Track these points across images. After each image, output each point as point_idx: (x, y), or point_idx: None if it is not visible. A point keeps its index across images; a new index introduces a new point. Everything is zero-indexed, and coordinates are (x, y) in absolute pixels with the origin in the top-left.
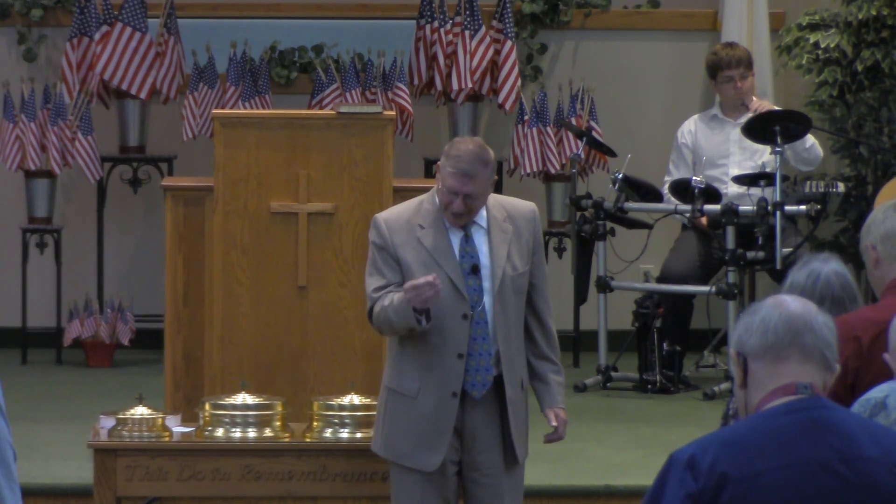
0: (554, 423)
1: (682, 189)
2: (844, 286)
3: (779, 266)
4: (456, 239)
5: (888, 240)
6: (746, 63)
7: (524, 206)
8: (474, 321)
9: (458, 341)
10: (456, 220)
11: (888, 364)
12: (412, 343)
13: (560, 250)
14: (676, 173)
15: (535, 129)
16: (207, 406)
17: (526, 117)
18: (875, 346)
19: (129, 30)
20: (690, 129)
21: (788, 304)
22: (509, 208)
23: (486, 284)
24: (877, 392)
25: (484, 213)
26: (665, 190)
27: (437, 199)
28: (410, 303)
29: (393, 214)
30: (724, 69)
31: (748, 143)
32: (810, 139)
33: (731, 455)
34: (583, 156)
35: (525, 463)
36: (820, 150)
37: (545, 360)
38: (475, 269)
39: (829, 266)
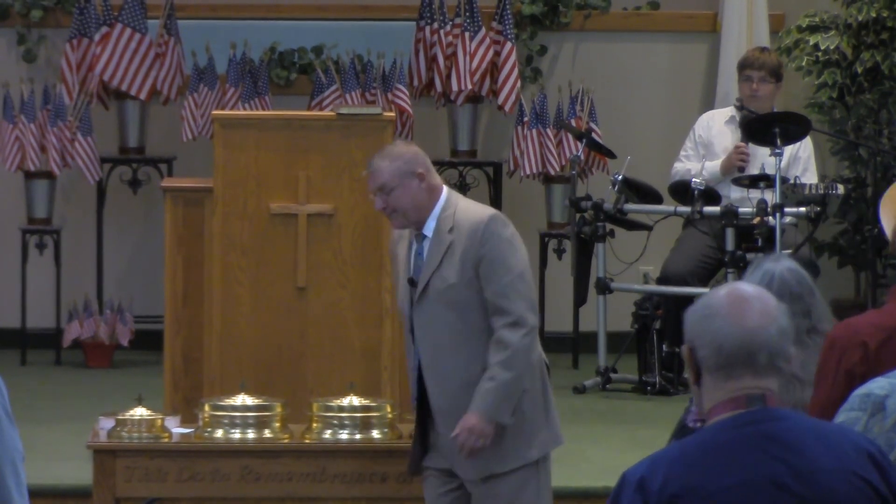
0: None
1: (682, 191)
2: (800, 281)
3: None
4: (412, 251)
5: None
6: (769, 69)
7: (474, 215)
8: (416, 331)
9: (411, 355)
10: (394, 224)
11: None
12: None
13: (559, 252)
14: (687, 161)
15: (534, 131)
16: (207, 407)
17: (525, 119)
18: (882, 351)
19: (128, 31)
20: (707, 122)
21: (745, 313)
22: (459, 218)
23: (419, 295)
24: (877, 388)
25: (433, 224)
26: (674, 175)
27: None
28: None
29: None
30: (746, 68)
31: (756, 149)
32: None
33: (681, 475)
34: (582, 157)
35: (518, 472)
36: None
37: (485, 368)
38: (411, 282)
39: (782, 265)
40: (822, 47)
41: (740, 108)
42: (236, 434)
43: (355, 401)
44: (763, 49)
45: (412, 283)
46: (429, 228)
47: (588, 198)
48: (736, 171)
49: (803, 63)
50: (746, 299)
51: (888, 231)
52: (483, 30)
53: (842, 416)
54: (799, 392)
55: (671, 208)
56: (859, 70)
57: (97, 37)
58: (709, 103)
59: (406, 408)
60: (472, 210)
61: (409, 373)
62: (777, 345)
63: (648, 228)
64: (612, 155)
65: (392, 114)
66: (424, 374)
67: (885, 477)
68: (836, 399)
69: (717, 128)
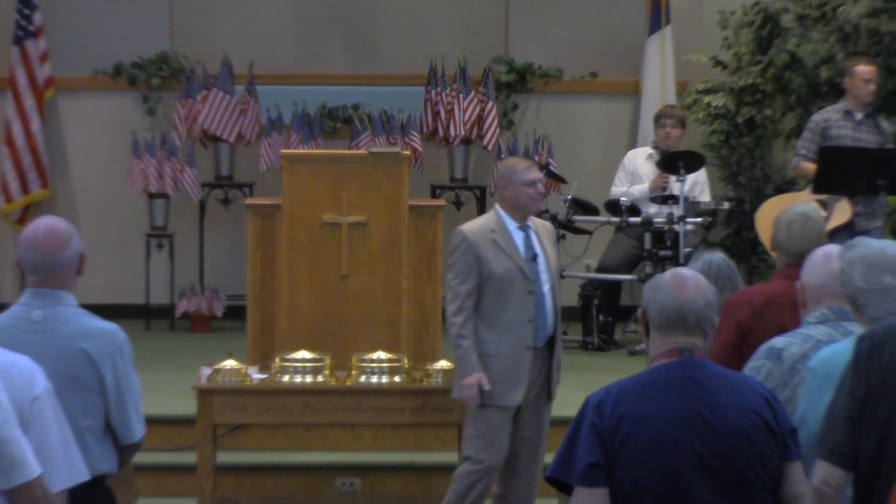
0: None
1: (614, 206)
2: (729, 266)
3: (682, 261)
4: (519, 238)
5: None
6: (677, 119)
7: (546, 223)
8: (537, 294)
9: (526, 310)
10: (537, 204)
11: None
12: (493, 316)
13: None
14: (620, 186)
15: None
16: (277, 360)
17: (503, 155)
18: (764, 310)
19: (221, 93)
20: (632, 157)
21: (682, 289)
22: (543, 223)
23: (543, 268)
24: (777, 343)
25: (530, 222)
26: (611, 195)
27: (500, 214)
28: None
29: (471, 225)
30: (661, 118)
31: (667, 176)
32: None
33: (628, 402)
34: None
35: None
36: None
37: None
38: (534, 258)
39: (717, 255)
40: (714, 105)
41: (655, 147)
42: (298, 378)
43: (382, 355)
44: (672, 105)
45: (535, 258)
46: (530, 222)
47: (547, 211)
48: (660, 189)
49: (700, 116)
50: (685, 279)
51: (763, 237)
52: (472, 92)
53: (752, 363)
54: None
55: (606, 219)
56: (740, 121)
57: (199, 97)
58: (633, 144)
59: (420, 360)
60: (538, 220)
61: (518, 324)
62: (703, 313)
63: (590, 233)
64: (564, 181)
65: (408, 152)
66: (553, 321)
67: (775, 416)
68: (730, 344)
69: (640, 161)
